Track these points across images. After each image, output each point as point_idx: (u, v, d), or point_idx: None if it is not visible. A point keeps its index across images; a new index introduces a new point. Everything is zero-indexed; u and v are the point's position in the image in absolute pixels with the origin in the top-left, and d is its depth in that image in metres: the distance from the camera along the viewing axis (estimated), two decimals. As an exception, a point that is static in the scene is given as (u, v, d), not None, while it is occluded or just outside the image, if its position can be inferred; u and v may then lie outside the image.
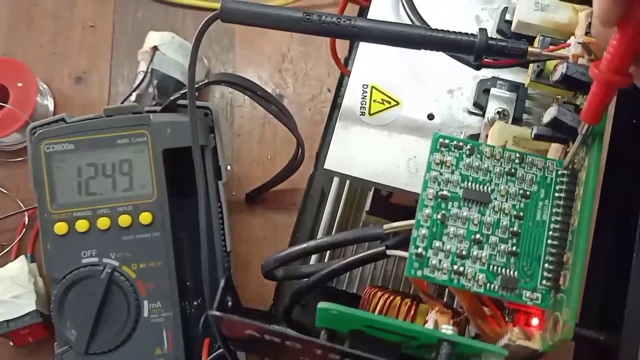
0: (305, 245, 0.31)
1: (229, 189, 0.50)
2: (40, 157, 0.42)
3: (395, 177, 0.31)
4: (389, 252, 0.31)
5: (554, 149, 0.27)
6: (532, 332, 0.26)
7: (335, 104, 0.47)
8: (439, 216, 0.26)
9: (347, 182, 0.39)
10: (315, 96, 0.52)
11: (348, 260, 0.32)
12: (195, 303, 0.44)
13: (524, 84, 0.31)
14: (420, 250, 0.26)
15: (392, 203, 0.37)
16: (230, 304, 0.30)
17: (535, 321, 0.26)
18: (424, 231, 0.26)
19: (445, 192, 0.26)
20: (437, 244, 0.26)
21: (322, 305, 0.25)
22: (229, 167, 0.47)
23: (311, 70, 0.53)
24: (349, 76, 0.34)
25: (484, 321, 0.26)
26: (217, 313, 0.23)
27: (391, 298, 0.31)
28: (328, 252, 0.38)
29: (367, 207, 0.38)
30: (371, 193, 0.37)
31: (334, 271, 0.32)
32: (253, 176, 0.50)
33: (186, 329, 0.42)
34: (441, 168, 0.26)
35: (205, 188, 0.41)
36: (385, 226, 0.30)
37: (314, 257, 0.38)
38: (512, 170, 0.26)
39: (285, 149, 0.50)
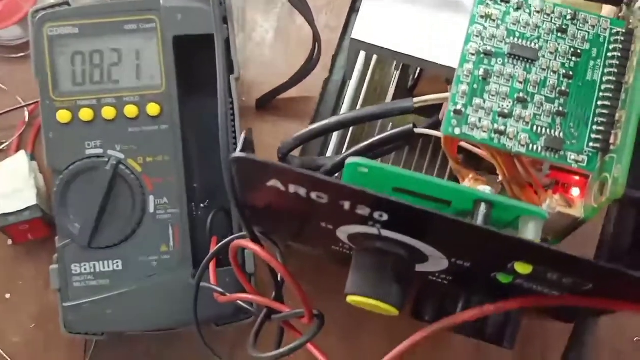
0: (327, 121, 0.29)
1: (239, 95, 0.47)
2: (43, 41, 0.39)
3: (427, 50, 0.29)
4: (417, 130, 0.29)
5: (607, 10, 0.25)
6: (573, 199, 0.24)
7: (354, 7, 0.44)
8: (481, 72, 0.24)
9: (369, 74, 0.36)
10: (331, 1, 0.49)
11: (370, 141, 0.30)
12: (202, 205, 0.42)
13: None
14: (459, 107, 0.23)
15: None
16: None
17: (575, 191, 0.24)
18: (464, 87, 0.24)
19: (489, 48, 0.24)
20: (477, 101, 0.24)
21: (351, 160, 0.23)
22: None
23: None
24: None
25: (522, 189, 0.24)
26: (242, 154, 0.21)
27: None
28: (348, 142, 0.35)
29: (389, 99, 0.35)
30: (394, 82, 0.35)
31: (355, 153, 0.30)
32: (264, 82, 0.48)
33: (193, 231, 0.40)
34: (486, 22, 0.24)
35: (225, 80, 0.39)
36: (415, 100, 0.28)
37: (332, 146, 0.36)
38: (563, 27, 0.24)
39: (299, 54, 0.47)
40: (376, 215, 0.22)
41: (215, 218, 0.41)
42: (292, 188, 0.22)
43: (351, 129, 0.37)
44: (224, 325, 0.41)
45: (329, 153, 0.35)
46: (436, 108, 0.31)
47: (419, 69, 0.33)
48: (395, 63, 0.34)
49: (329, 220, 0.24)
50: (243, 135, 0.22)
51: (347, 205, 0.22)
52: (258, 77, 0.48)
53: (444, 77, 0.30)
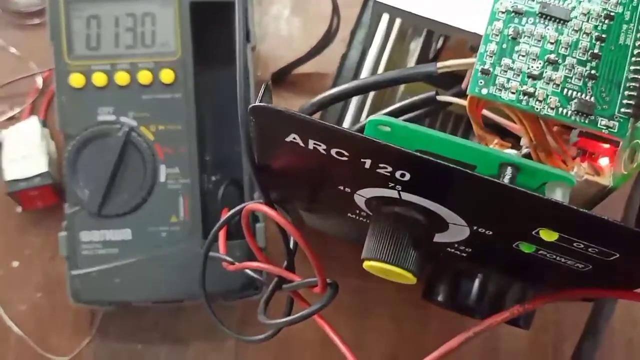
0: (346, 85, 0.28)
1: (254, 69, 0.47)
2: (59, 5, 0.39)
3: (454, 15, 0.28)
4: (439, 97, 0.28)
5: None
6: (601, 167, 0.23)
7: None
8: (510, 31, 0.23)
9: (390, 43, 0.35)
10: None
11: (390, 108, 0.29)
12: (213, 178, 0.41)
13: None
14: (487, 66, 0.23)
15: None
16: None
17: (604, 160, 0.23)
18: (492, 47, 0.23)
19: (520, 6, 0.23)
20: (506, 61, 0.23)
21: (373, 117, 0.22)
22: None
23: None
24: None
25: (549, 156, 0.23)
26: (262, 103, 0.20)
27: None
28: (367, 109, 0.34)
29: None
30: (416, 53, 0.34)
31: (375, 119, 0.29)
32: (281, 57, 0.47)
33: (203, 203, 0.40)
34: (517, -21, 0.23)
35: (243, 48, 0.38)
36: (439, 64, 0.27)
37: (350, 115, 0.35)
38: (596, -12, 0.23)
39: (316, 29, 0.46)
40: (398, 174, 0.21)
41: (225, 191, 0.41)
42: (311, 144, 0.21)
43: (370, 97, 0.36)
44: (232, 300, 0.40)
45: (346, 121, 0.35)
46: (457, 80, 0.31)
47: (441, 39, 0.32)
48: (414, 31, 0.33)
49: (347, 182, 0.24)
50: (264, 86, 0.21)
51: (368, 163, 0.21)
52: (274, 52, 0.47)
53: (469, 44, 0.29)
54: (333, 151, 0.21)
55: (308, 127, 0.20)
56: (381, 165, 0.21)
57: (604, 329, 0.34)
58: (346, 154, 0.21)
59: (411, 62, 0.35)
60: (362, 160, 0.21)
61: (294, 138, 0.21)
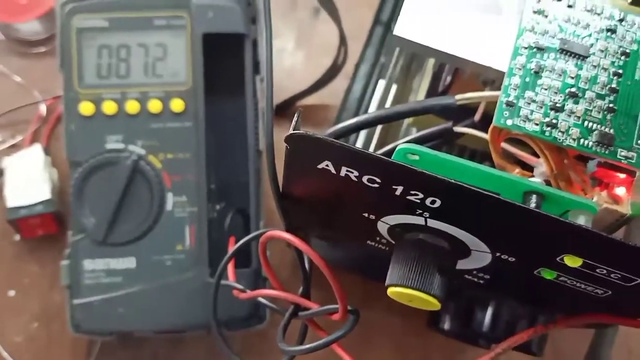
0: (365, 116, 0.29)
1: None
2: (71, 33, 0.39)
3: (471, 50, 0.28)
4: (456, 129, 0.29)
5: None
6: (619, 197, 0.24)
7: (378, 19, 0.45)
8: (533, 65, 0.24)
9: (395, 74, 0.36)
10: (352, 9, 0.49)
11: (408, 138, 0.30)
12: (217, 207, 0.41)
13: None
14: (511, 99, 0.23)
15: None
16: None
17: (620, 190, 0.24)
18: (516, 80, 0.24)
19: (541, 42, 0.24)
20: (529, 94, 0.23)
21: (402, 146, 0.23)
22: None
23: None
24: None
25: (569, 185, 0.24)
26: (301, 131, 0.20)
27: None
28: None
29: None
30: (425, 85, 0.35)
31: (393, 150, 0.29)
32: (283, 88, 0.48)
33: (208, 232, 0.40)
34: (538, 15, 0.24)
35: (252, 80, 0.39)
36: (458, 96, 0.28)
37: (359, 144, 0.35)
38: (612, 27, 0.24)
39: (319, 61, 0.47)
40: (428, 201, 0.22)
41: (231, 220, 0.41)
42: (344, 171, 0.22)
43: (377, 131, 0.36)
44: (236, 330, 0.40)
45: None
46: (467, 113, 0.32)
47: (450, 75, 0.33)
48: (426, 65, 0.34)
49: (373, 209, 0.24)
50: (297, 114, 0.22)
51: (399, 190, 0.22)
52: (277, 84, 0.48)
53: (481, 77, 0.30)
54: (365, 178, 0.22)
55: (345, 155, 0.21)
56: (412, 192, 0.21)
57: (608, 356, 0.34)
58: (378, 180, 0.22)
59: (416, 95, 0.36)
60: (393, 187, 0.22)
61: (327, 165, 0.22)
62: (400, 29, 0.29)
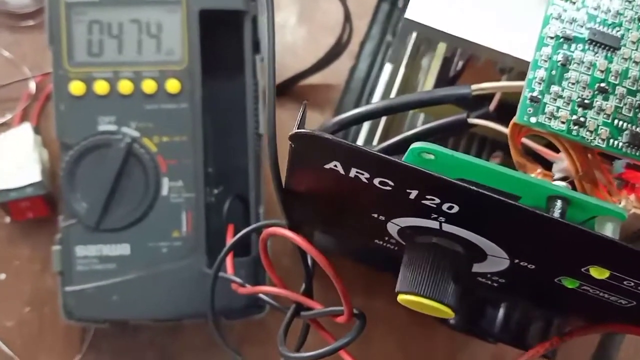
0: (374, 105, 0.27)
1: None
2: (60, 8, 0.36)
3: (487, 36, 0.26)
4: (471, 120, 0.27)
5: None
6: (648, 202, 0.22)
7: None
8: (559, 57, 0.22)
9: (404, 61, 0.34)
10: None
11: (417, 130, 0.28)
12: (215, 191, 0.39)
13: None
14: (536, 94, 0.21)
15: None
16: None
17: (648, 194, 0.22)
18: (541, 73, 0.21)
19: (568, 31, 0.22)
20: (555, 88, 0.21)
21: (416, 144, 0.21)
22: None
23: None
24: None
25: (594, 187, 0.22)
26: (306, 130, 0.18)
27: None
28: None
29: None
30: (434, 72, 0.32)
31: (403, 141, 0.27)
32: (284, 67, 0.45)
33: (206, 218, 0.38)
34: (565, 2, 0.22)
35: (252, 60, 0.36)
36: (474, 86, 0.26)
37: (362, 138, 0.33)
38: (647, 16, 0.22)
39: (321, 39, 0.45)
40: (445, 206, 0.20)
41: (229, 205, 0.39)
42: (353, 172, 0.20)
43: (382, 121, 0.34)
44: (234, 320, 0.38)
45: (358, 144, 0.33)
46: (480, 101, 0.30)
47: (462, 60, 0.31)
48: (427, 48, 0.32)
49: (383, 210, 0.22)
50: (302, 109, 0.19)
51: (414, 194, 0.20)
52: (278, 61, 0.45)
53: (498, 65, 0.27)
54: (376, 180, 0.20)
55: (355, 156, 0.19)
56: (429, 197, 0.20)
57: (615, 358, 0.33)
58: (391, 183, 0.20)
59: (425, 79, 0.33)
60: (407, 190, 0.20)
61: (335, 165, 0.20)
62: (413, 12, 0.26)
